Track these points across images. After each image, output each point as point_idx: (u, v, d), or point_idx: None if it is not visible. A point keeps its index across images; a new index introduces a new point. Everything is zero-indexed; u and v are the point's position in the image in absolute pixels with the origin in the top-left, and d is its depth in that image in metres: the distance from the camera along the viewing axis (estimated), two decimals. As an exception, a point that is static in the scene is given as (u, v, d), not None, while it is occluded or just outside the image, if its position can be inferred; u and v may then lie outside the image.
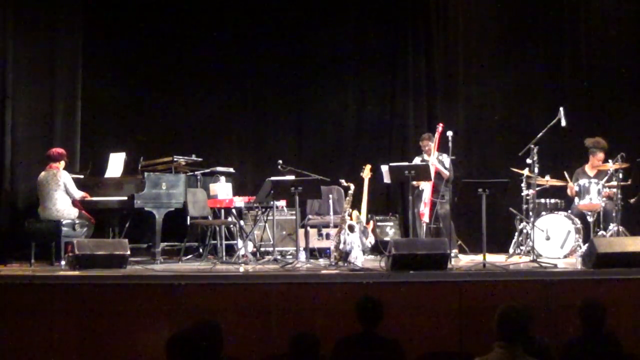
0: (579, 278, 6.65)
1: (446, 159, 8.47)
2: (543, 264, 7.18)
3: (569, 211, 8.53)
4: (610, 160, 8.26)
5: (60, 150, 8.18)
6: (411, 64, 10.29)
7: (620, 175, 8.02)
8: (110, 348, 6.32)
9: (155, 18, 9.99)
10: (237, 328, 6.01)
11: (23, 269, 7.65)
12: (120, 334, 6.36)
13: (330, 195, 8.97)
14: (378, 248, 8.26)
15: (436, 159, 8.56)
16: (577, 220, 8.36)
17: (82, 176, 8.63)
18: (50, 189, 7.89)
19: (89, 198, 8.19)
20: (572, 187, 8.55)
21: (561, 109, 8.17)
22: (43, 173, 8.01)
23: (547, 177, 8.53)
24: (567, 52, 10.02)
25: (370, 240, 8.18)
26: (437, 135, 8.51)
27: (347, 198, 8.01)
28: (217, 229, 8.64)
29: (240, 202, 8.63)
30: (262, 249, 8.74)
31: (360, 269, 7.15)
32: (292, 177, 8.36)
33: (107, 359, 6.33)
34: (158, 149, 9.31)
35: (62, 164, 8.11)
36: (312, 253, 8.50)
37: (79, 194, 8.06)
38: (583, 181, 8.44)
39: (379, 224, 9.43)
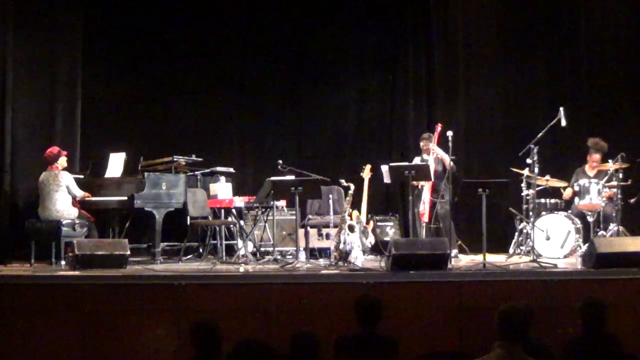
0: (579, 278, 6.65)
1: (446, 158, 8.45)
2: (543, 264, 7.17)
3: (569, 211, 8.53)
4: (610, 160, 8.26)
5: (55, 150, 8.10)
6: (411, 63, 10.30)
7: (620, 175, 8.03)
8: (110, 348, 6.32)
9: (155, 18, 9.99)
10: (237, 328, 6.00)
11: (23, 269, 7.65)
12: (120, 334, 6.36)
13: (330, 195, 8.97)
14: (378, 248, 8.25)
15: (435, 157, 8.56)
16: (577, 220, 8.35)
17: (82, 176, 8.63)
18: (51, 189, 7.89)
19: (89, 198, 8.19)
20: (569, 194, 8.56)
21: (561, 109, 8.18)
22: (44, 173, 8.01)
23: (547, 177, 8.53)
24: (567, 52, 10.00)
25: (370, 240, 8.18)
26: (436, 135, 8.51)
27: (347, 198, 8.01)
28: (217, 229, 8.64)
29: (240, 202, 8.63)
30: (262, 249, 8.73)
31: (360, 269, 7.15)
32: (292, 177, 8.35)
33: (107, 358, 6.33)
34: (158, 149, 9.31)
35: (63, 163, 8.09)
36: (312, 253, 8.49)
37: (80, 193, 8.06)
38: (583, 181, 8.43)
39: (379, 224, 9.42)
